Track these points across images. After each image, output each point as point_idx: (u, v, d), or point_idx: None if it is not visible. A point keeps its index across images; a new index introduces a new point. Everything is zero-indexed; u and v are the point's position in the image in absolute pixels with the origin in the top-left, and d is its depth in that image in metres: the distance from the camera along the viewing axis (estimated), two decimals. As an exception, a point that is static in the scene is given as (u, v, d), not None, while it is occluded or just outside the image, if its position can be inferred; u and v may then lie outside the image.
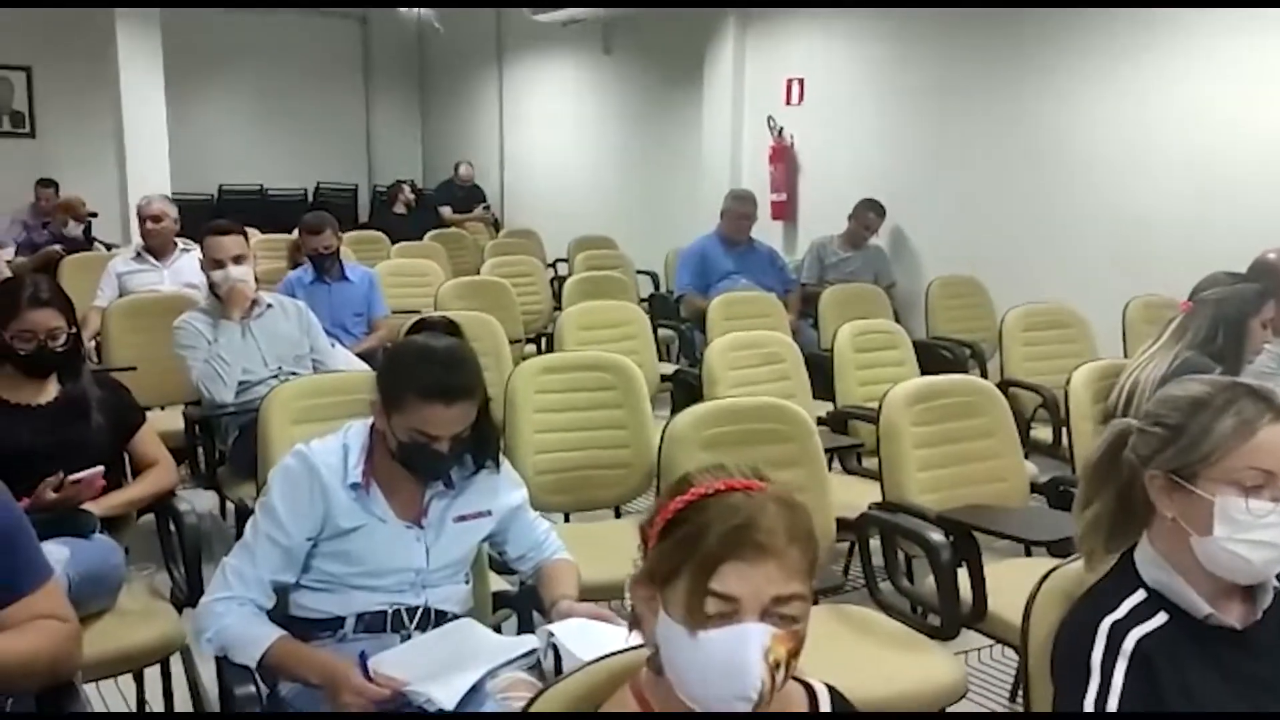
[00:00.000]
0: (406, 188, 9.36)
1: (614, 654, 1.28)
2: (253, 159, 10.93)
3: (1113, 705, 1.34)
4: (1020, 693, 2.88)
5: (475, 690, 1.68)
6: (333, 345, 3.84)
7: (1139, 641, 1.38)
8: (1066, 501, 2.93)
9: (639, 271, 7.18)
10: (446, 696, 1.65)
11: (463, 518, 1.95)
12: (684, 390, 4.23)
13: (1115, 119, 5.34)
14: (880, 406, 2.86)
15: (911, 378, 3.43)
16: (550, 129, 9.95)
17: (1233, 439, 1.37)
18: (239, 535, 2.60)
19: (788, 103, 7.21)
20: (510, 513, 2.03)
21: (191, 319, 3.46)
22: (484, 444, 1.95)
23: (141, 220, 4.95)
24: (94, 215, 7.03)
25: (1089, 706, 1.34)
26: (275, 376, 3.47)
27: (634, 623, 1.21)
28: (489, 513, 1.99)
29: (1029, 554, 3.19)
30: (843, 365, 3.95)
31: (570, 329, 4.34)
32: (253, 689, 1.74)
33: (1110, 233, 5.38)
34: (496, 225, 9.95)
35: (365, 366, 3.77)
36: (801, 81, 7.13)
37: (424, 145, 11.99)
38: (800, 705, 1.22)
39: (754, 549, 1.07)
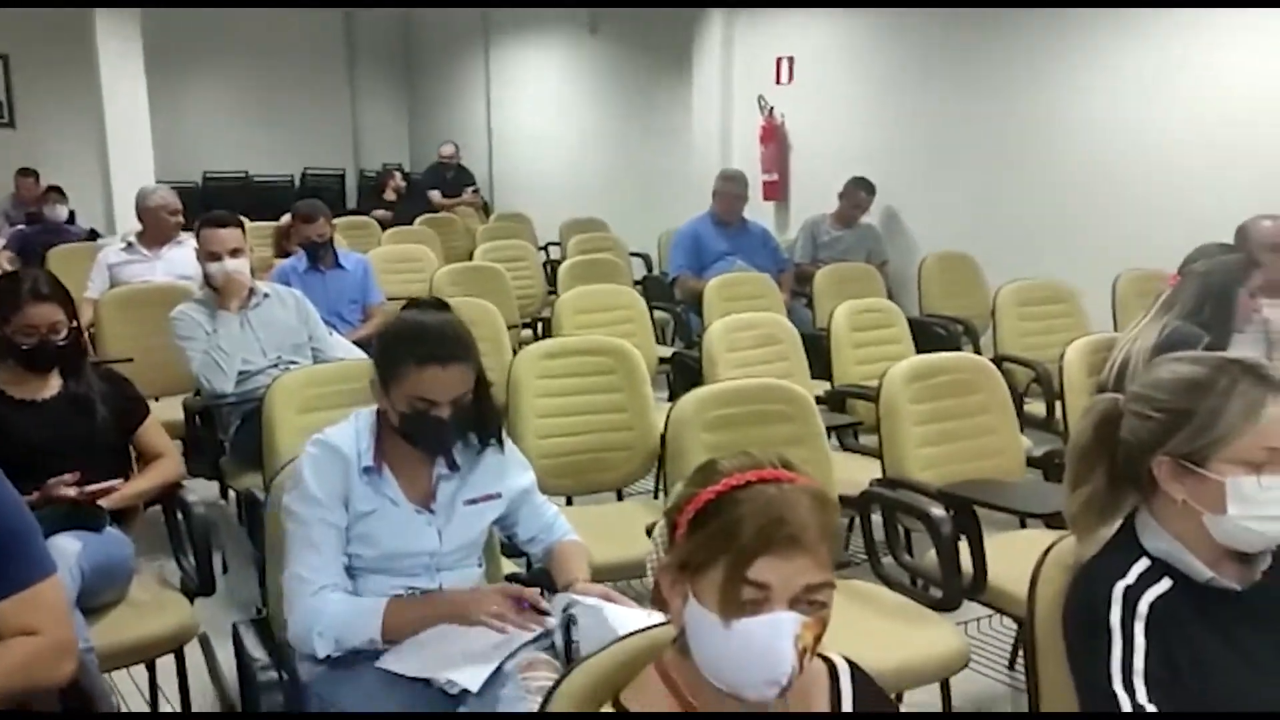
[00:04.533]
0: (397, 174, 9.33)
1: (637, 632, 1.31)
2: (238, 145, 10.86)
3: (1139, 664, 1.38)
4: (1019, 661, 2.98)
5: (496, 671, 1.71)
6: (330, 334, 3.85)
7: (1152, 604, 1.42)
8: (1062, 474, 2.99)
9: (631, 254, 7.20)
10: (471, 679, 1.68)
11: (473, 500, 1.97)
12: (683, 372, 4.26)
13: (1106, 95, 5.37)
14: (880, 385, 2.89)
15: (907, 356, 3.47)
16: (538, 110, 9.93)
17: (1242, 422, 1.41)
18: (243, 523, 2.61)
19: (778, 82, 7.21)
20: (519, 495, 2.06)
21: (189, 310, 3.46)
22: (486, 423, 1.99)
23: (149, 211, 4.89)
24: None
25: (1116, 667, 1.39)
26: (275, 366, 3.48)
27: (658, 603, 1.23)
28: (498, 495, 2.01)
29: (1024, 526, 3.24)
30: (839, 344, 3.99)
31: (567, 313, 4.36)
32: (274, 674, 1.76)
33: (1101, 207, 5.42)
34: (486, 209, 9.93)
35: (363, 354, 3.79)
36: (791, 60, 7.13)
37: (411, 128, 11.95)
38: (822, 680, 1.25)
39: (788, 543, 1.10)
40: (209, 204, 7.94)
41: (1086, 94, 5.46)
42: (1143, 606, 1.43)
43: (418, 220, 7.94)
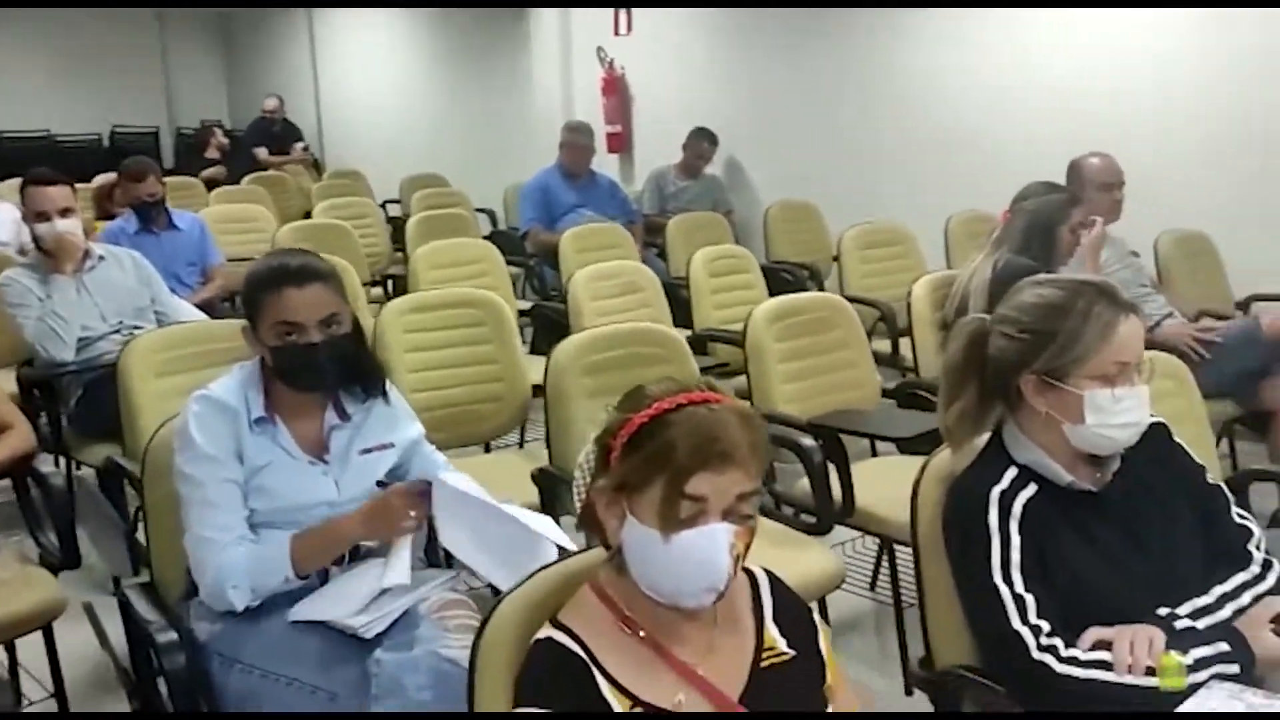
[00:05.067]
0: (219, 131, 8.87)
1: (564, 559, 1.35)
2: (36, 102, 10.07)
3: (1015, 559, 1.52)
4: (880, 581, 3.18)
5: (407, 615, 1.71)
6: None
7: (1025, 505, 1.56)
8: (915, 403, 3.19)
9: (476, 209, 7.11)
10: (374, 623, 1.69)
11: (367, 450, 1.96)
12: (545, 323, 4.27)
13: (939, 46, 5.60)
14: (745, 326, 3.00)
15: (763, 300, 3.62)
16: (367, 64, 9.61)
17: (1097, 341, 1.56)
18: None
19: (616, 33, 7.22)
20: (410, 445, 2.05)
21: (16, 275, 3.24)
22: (369, 373, 1.99)
23: None
24: None
25: (996, 563, 1.52)
26: (117, 332, 3.31)
27: (588, 525, 1.28)
28: (391, 445, 2.00)
29: (875, 454, 3.45)
30: (699, 290, 4.10)
31: (423, 269, 4.29)
32: (173, 634, 1.71)
33: (932, 155, 5.67)
34: (317, 166, 9.57)
35: (205, 317, 3.64)
36: (629, 11, 7.14)
37: (229, 83, 11.35)
38: (745, 590, 1.33)
39: (721, 459, 1.17)
40: (7, 166, 7.35)
41: (920, 45, 5.69)
42: (1016, 508, 1.57)
43: (245, 179, 7.60)
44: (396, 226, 6.51)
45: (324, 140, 10.16)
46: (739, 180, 6.74)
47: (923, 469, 1.76)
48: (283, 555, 1.79)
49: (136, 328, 3.31)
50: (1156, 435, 1.67)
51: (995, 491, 1.59)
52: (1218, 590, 1.58)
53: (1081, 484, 1.60)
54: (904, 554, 2.50)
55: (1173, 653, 1.44)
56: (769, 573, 1.36)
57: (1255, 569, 1.62)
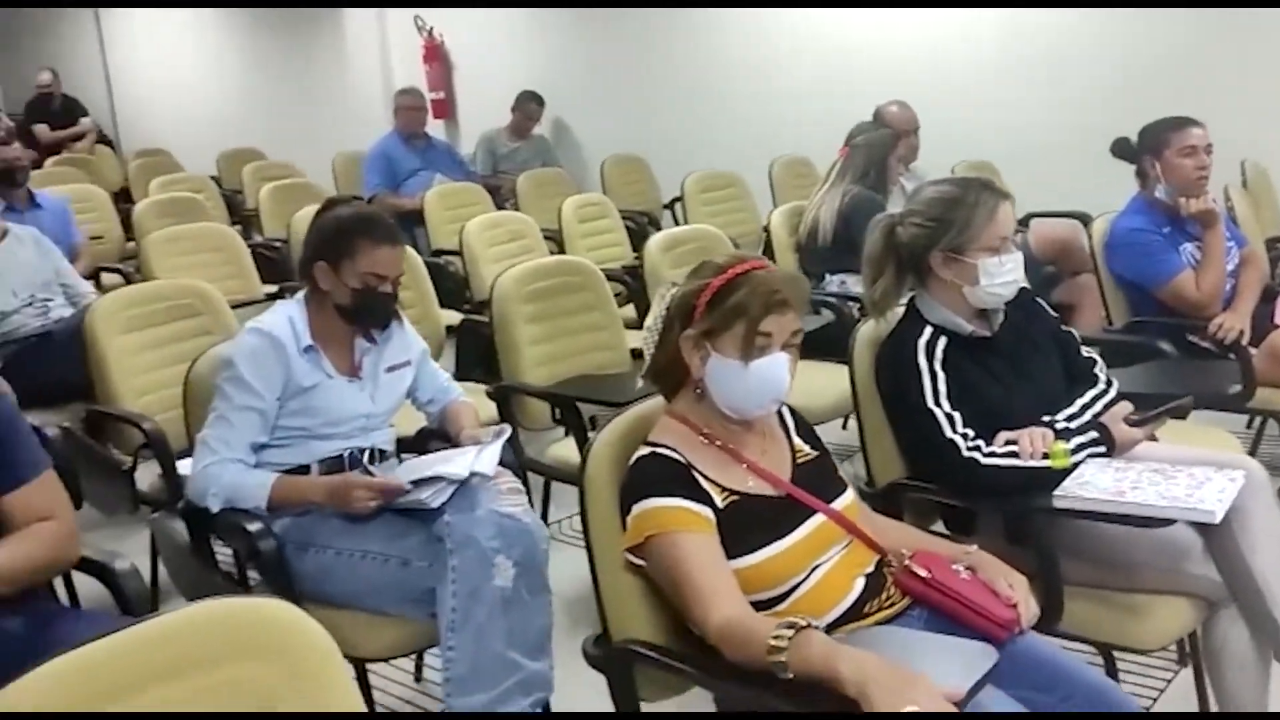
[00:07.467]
0: (4, 115, 8.33)
1: (635, 401, 1.74)
2: None
3: (942, 389, 2.02)
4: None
5: (462, 486, 1.99)
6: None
7: (943, 351, 2.06)
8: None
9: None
10: (437, 494, 1.98)
11: (392, 368, 2.26)
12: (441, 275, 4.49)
13: (751, 11, 6.13)
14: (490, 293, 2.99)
15: (622, 240, 4.08)
16: (165, 38, 9.25)
17: (986, 222, 2.07)
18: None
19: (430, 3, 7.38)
20: (420, 360, 2.36)
21: (-80, 254, 3.22)
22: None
23: None
24: None
25: (928, 392, 2.01)
26: (29, 305, 3.35)
27: (656, 376, 1.68)
28: (409, 362, 2.31)
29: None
30: (571, 235, 4.47)
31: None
32: (262, 525, 1.98)
33: (751, 105, 6.20)
34: (108, 143, 9.13)
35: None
36: (445, -21, 7.32)
37: (1, 62, 10.57)
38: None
39: (782, 305, 1.59)
40: None
41: (742, 13, 6.17)
42: (937, 352, 2.07)
43: (50, 162, 7.27)
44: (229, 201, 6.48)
45: (117, 117, 9.70)
46: (566, 139, 7.10)
47: (853, 337, 2.24)
48: (263, 491, 2.05)
49: (48, 300, 3.38)
50: (1023, 297, 2.21)
51: (920, 342, 2.08)
52: (1079, 402, 2.14)
53: (980, 332, 2.13)
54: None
55: (1059, 442, 1.98)
56: (789, 406, 1.80)
57: (1101, 385, 2.20)
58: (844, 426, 3.51)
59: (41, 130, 8.39)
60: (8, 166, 4.20)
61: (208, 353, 2.22)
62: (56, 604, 1.78)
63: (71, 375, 2.84)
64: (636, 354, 3.25)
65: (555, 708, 1.99)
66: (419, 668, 2.53)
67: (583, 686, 1.81)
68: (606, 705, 1.65)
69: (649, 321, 1.70)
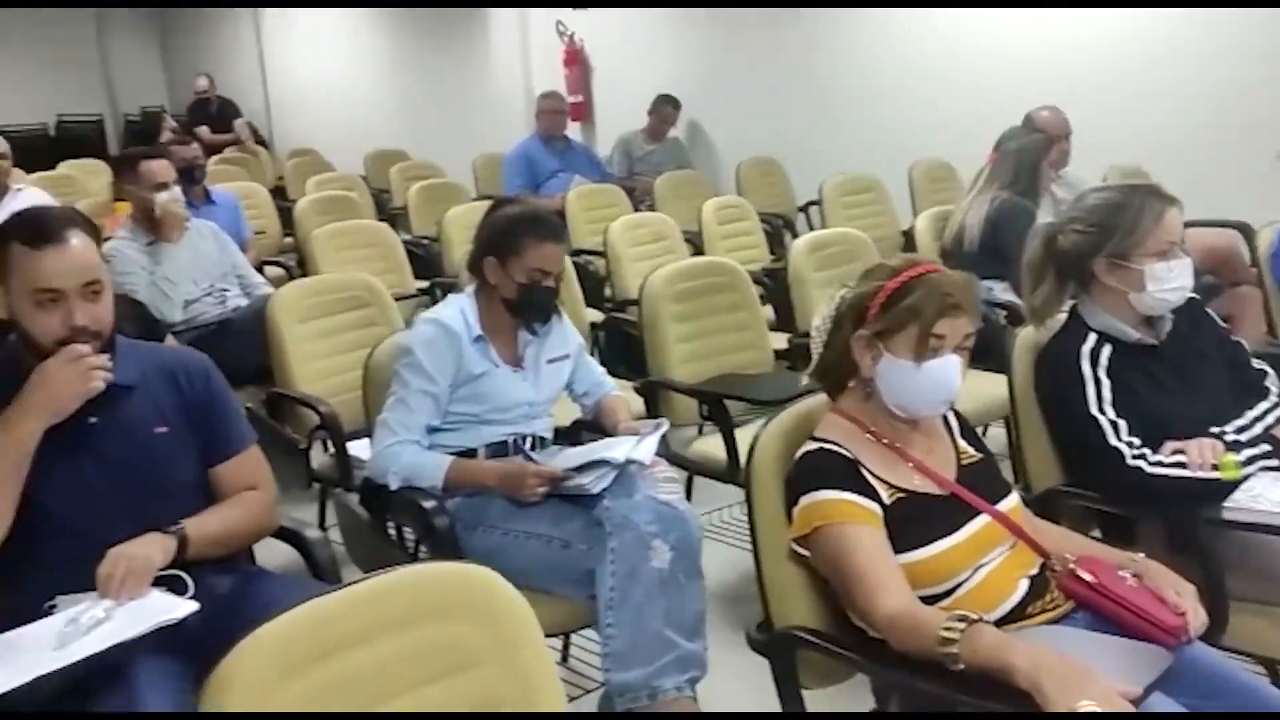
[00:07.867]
0: (169, 117, 8.90)
1: (795, 397, 1.79)
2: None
3: (1106, 396, 2.00)
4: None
5: (621, 473, 2.08)
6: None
7: (1108, 358, 2.04)
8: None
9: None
10: (598, 480, 2.06)
11: (552, 360, 2.38)
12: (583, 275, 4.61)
13: (888, 13, 6.08)
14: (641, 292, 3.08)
15: (761, 243, 4.10)
16: (319, 42, 9.66)
17: (1151, 225, 2.04)
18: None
19: (574, 6, 7.53)
20: (577, 356, 2.46)
21: (120, 246, 3.47)
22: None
23: None
24: None
25: (1091, 398, 2.00)
26: (209, 295, 3.60)
27: (823, 375, 1.72)
28: (567, 356, 2.41)
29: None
30: (710, 236, 4.54)
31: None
32: (436, 502, 2.11)
33: (886, 111, 6.12)
34: (262, 142, 9.61)
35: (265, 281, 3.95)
36: (587, -14, 7.47)
37: (166, 66, 11.27)
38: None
39: (955, 309, 1.62)
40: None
41: (883, 17, 6.12)
42: (1102, 359, 2.06)
43: (212, 160, 7.69)
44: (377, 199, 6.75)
45: (272, 118, 10.21)
46: (700, 141, 7.16)
47: (1011, 343, 2.23)
48: (439, 471, 2.18)
49: (226, 290, 3.62)
50: (1193, 305, 2.18)
51: (1084, 349, 2.07)
52: (1250, 414, 2.09)
53: (1146, 340, 2.10)
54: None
55: (1229, 454, 1.94)
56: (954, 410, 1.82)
57: (1274, 398, 2.14)
58: (984, 433, 3.46)
59: (202, 132, 8.89)
60: (188, 165, 4.48)
61: (386, 341, 2.37)
62: (256, 567, 1.93)
63: (249, 360, 3.05)
64: (779, 354, 3.30)
65: (699, 696, 2.04)
66: (565, 649, 2.62)
67: (726, 679, 1.84)
68: (750, 696, 1.69)
69: (816, 322, 1.75)
